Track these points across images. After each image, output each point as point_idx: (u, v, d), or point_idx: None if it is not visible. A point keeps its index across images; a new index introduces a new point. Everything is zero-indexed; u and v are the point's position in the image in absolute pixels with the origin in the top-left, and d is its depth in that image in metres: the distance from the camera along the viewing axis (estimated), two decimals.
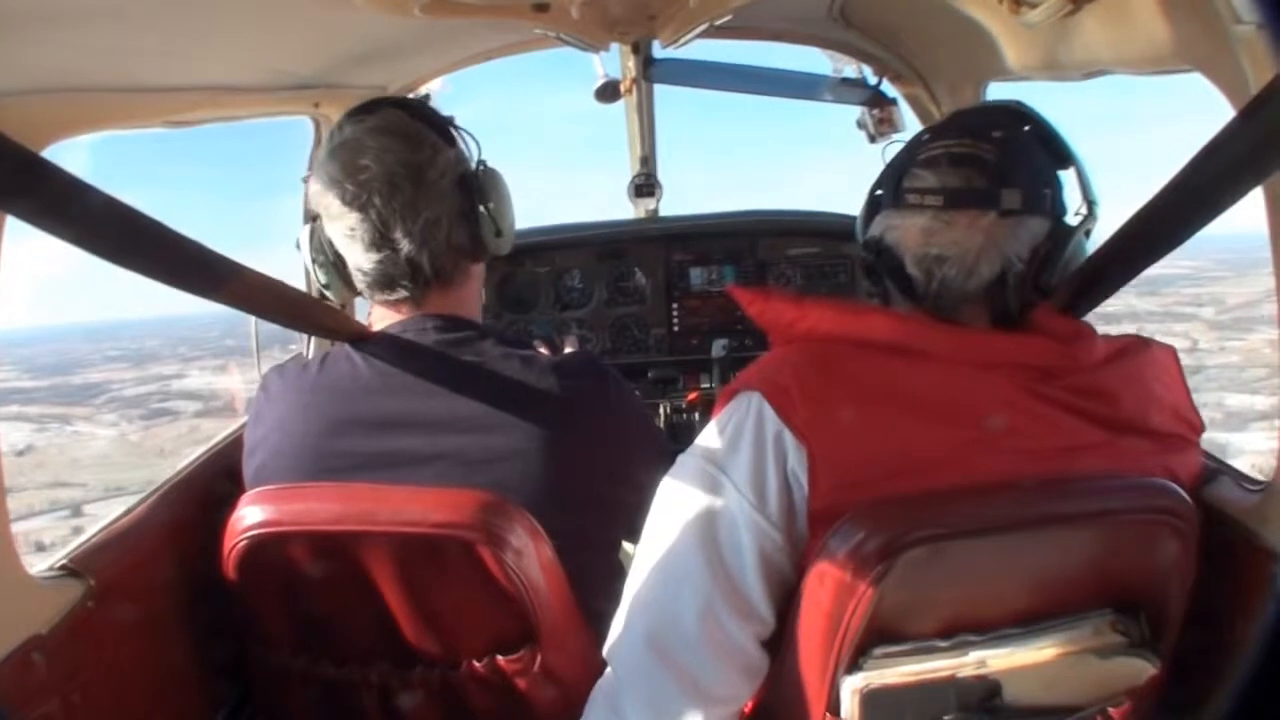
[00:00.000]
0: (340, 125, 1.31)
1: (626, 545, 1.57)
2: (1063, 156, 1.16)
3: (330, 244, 1.29)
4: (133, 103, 1.35)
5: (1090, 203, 1.15)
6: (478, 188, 1.31)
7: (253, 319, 1.76)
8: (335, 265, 1.30)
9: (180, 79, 1.42)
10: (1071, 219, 1.15)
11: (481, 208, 1.31)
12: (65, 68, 1.15)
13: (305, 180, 1.31)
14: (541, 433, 1.23)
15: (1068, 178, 1.17)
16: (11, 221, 1.08)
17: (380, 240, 1.25)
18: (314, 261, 1.32)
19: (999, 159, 1.09)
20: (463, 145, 1.36)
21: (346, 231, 1.26)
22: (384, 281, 1.28)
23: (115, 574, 1.24)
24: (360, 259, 1.27)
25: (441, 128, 1.33)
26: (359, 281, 1.31)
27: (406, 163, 1.25)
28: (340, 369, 1.29)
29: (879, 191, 1.20)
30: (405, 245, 1.25)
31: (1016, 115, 1.18)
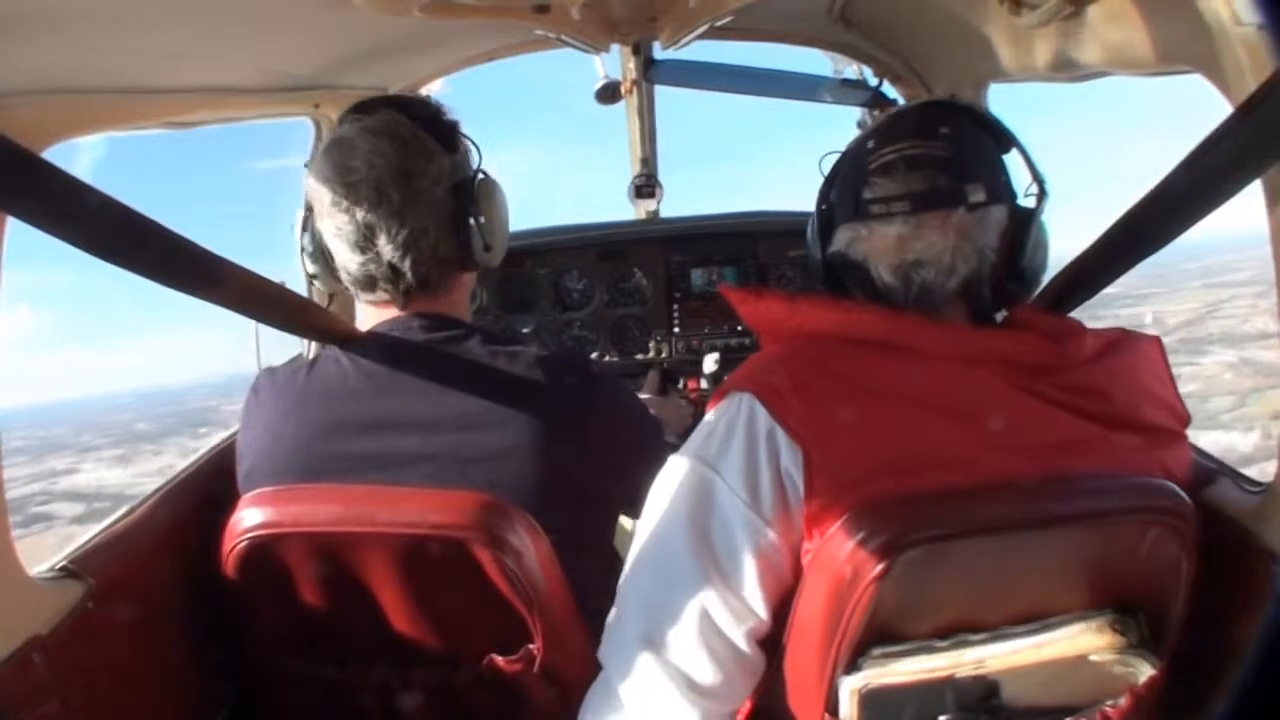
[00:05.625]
0: (340, 121, 1.32)
1: (624, 523, 1.56)
2: (1004, 140, 1.16)
3: (319, 236, 1.31)
4: (133, 104, 1.35)
5: (1040, 181, 1.15)
6: (470, 199, 1.30)
7: (254, 322, 1.76)
8: (323, 257, 1.33)
9: (180, 80, 1.43)
10: (1023, 201, 1.15)
11: (472, 220, 1.30)
12: (65, 68, 1.16)
13: (307, 167, 1.32)
14: (531, 428, 1.22)
15: (1011, 162, 1.16)
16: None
17: (365, 244, 1.26)
18: (303, 251, 1.35)
19: (954, 154, 1.09)
20: (465, 152, 1.34)
21: (335, 229, 1.28)
22: (366, 282, 1.30)
23: (115, 575, 1.24)
24: (345, 258, 1.29)
25: (442, 133, 1.31)
26: (344, 278, 1.32)
27: (396, 168, 1.24)
28: (329, 371, 1.29)
29: (827, 204, 1.19)
30: (388, 252, 1.26)
31: (953, 108, 1.17)
